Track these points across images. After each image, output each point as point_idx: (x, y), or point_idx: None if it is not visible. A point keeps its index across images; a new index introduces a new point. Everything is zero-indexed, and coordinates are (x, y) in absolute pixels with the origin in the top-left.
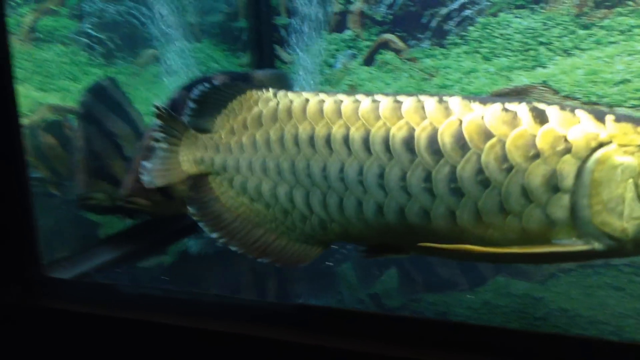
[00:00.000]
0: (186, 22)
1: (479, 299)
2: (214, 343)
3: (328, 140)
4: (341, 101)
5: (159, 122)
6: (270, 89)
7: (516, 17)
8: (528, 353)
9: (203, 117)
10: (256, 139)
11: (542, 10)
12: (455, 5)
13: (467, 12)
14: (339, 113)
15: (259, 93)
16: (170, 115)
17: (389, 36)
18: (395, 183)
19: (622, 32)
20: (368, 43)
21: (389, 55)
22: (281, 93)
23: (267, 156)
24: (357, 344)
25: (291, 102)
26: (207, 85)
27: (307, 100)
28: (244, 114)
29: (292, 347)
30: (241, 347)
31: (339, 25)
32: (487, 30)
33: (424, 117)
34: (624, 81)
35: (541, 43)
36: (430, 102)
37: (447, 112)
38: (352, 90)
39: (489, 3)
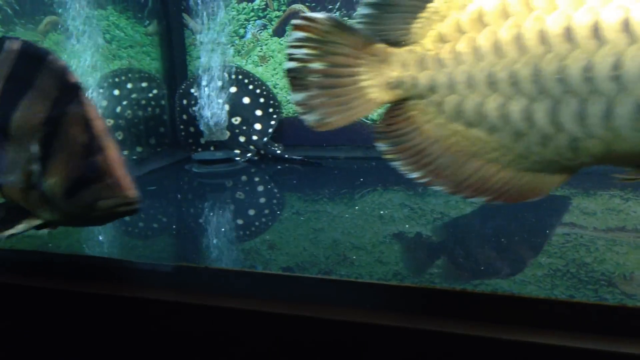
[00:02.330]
0: None
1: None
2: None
3: (595, 30)
4: None
5: (305, 33)
6: None
7: None
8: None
9: (391, 25)
10: (478, 45)
11: None
12: None
13: None
14: None
15: None
16: (338, 23)
17: (299, 6)
18: None
19: None
20: (278, 13)
21: None
22: None
23: (495, 65)
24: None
25: None
26: None
27: None
28: (457, 13)
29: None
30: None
31: None
32: None
33: None
34: None
35: None
36: None
37: None
38: (263, 59)
39: None
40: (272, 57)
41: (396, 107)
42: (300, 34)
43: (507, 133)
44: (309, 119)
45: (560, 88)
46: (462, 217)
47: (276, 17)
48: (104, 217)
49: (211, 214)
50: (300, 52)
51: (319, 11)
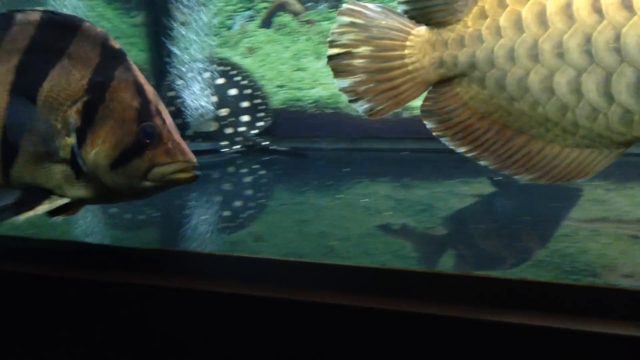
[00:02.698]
0: None
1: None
2: None
3: None
4: None
5: (351, 19)
6: None
7: None
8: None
9: (432, 5)
10: (522, 17)
11: None
12: None
13: None
14: None
15: None
16: (381, 9)
17: None
18: None
19: None
20: (265, 5)
21: (286, 18)
22: None
23: (540, 36)
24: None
25: None
26: None
27: None
28: None
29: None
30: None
31: None
32: None
33: None
34: None
35: None
36: None
37: None
38: (251, 51)
39: None
40: (260, 49)
41: (443, 85)
42: (345, 19)
43: (552, 107)
44: (360, 107)
45: (614, 58)
46: (448, 208)
47: (264, 8)
48: (154, 187)
49: (197, 205)
50: (344, 38)
51: (306, 3)
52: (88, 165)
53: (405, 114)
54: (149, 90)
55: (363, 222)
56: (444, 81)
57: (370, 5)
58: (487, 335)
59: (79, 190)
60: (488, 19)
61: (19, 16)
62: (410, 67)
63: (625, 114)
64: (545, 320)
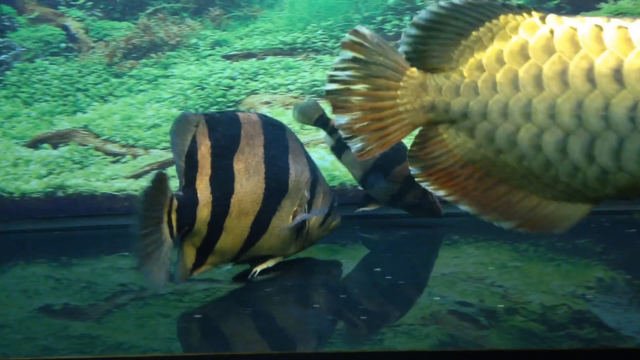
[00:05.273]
0: None
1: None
2: None
3: None
4: None
5: (353, 53)
6: (534, 12)
7: (52, 63)
8: None
9: (431, 50)
10: (518, 76)
11: (76, 58)
12: None
13: (3, 57)
14: None
15: (518, 18)
16: (380, 44)
17: None
18: None
19: (149, 82)
20: None
21: None
22: (551, 18)
23: (535, 97)
24: None
25: (574, 29)
26: (443, 5)
27: (600, 28)
28: (498, 44)
29: None
30: None
31: None
32: (25, 76)
33: None
34: (155, 125)
35: (78, 89)
36: None
37: None
38: None
39: (24, 49)
40: None
41: (429, 129)
42: (348, 54)
43: (537, 162)
44: (354, 146)
45: (601, 124)
46: (110, 283)
47: None
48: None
49: None
50: (344, 74)
51: None
52: (309, 228)
53: (60, 193)
54: None
55: (22, 306)
56: (430, 126)
57: (372, 35)
58: None
59: (292, 249)
60: (485, 73)
61: (243, 116)
62: (400, 108)
63: (602, 173)
64: None
